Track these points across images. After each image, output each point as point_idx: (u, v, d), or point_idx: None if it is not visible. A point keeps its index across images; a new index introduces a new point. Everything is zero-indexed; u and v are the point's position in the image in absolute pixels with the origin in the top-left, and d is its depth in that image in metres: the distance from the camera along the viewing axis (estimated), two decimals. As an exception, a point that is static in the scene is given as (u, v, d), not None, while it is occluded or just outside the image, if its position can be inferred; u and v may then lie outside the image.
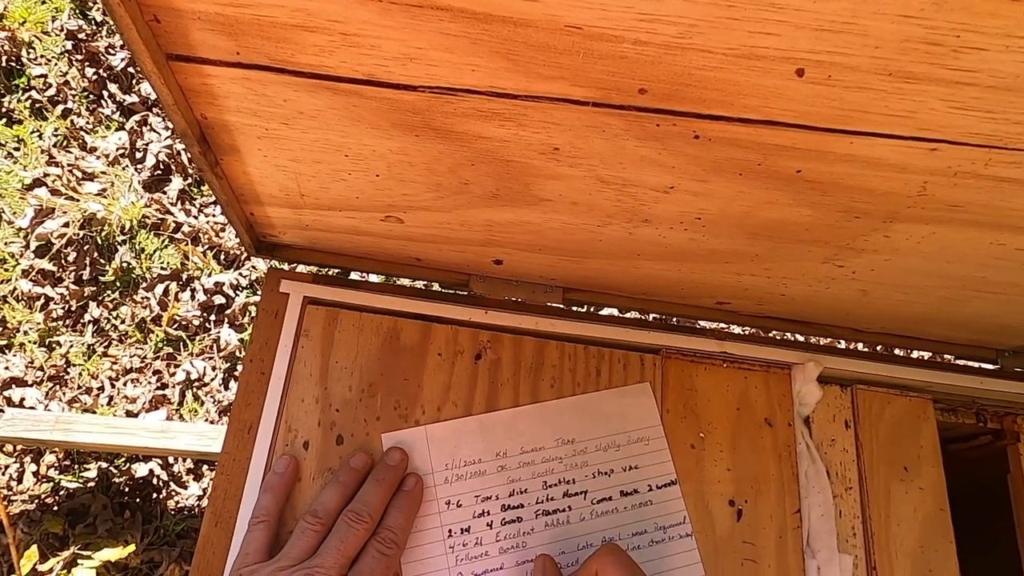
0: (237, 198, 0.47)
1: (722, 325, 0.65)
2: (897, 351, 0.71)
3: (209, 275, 1.30)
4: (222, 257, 1.32)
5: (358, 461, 0.47)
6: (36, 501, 1.13)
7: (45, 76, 1.35)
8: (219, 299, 1.28)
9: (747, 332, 0.61)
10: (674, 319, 0.61)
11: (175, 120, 0.37)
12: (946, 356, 0.65)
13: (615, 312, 0.66)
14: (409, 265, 0.56)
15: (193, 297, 1.28)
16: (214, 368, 1.25)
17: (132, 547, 1.07)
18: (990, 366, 0.62)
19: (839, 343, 0.62)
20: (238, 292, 1.30)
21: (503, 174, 0.40)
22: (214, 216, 1.34)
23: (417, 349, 0.52)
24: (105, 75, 1.39)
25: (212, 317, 1.28)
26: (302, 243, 0.54)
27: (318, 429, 0.49)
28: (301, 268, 0.55)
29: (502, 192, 0.42)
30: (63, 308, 1.24)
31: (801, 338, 0.62)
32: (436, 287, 0.59)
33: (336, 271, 0.56)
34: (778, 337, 0.60)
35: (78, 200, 1.27)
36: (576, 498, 0.49)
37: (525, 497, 0.48)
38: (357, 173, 0.41)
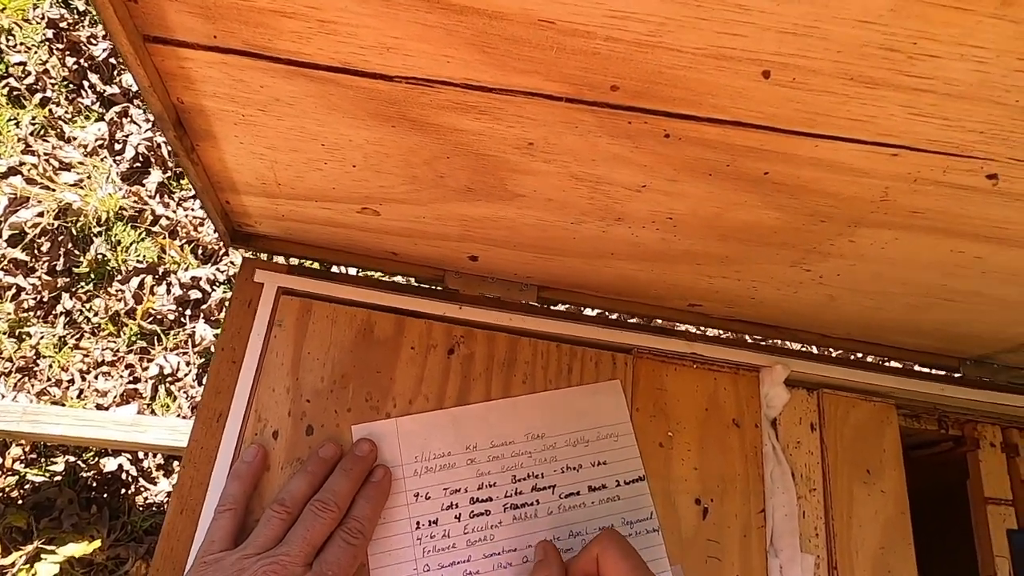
0: (213, 185, 0.47)
1: (693, 328, 0.66)
2: (861, 357, 0.73)
3: (186, 269, 1.29)
4: (200, 252, 1.31)
5: (327, 451, 0.47)
6: (0, 495, 1.11)
7: (24, 64, 1.34)
8: (195, 294, 1.27)
9: (718, 335, 0.62)
10: (646, 320, 0.62)
11: (151, 103, 0.37)
12: (911, 364, 0.66)
13: (588, 312, 0.66)
14: (385, 259, 0.56)
15: (169, 291, 1.27)
16: (188, 363, 1.24)
17: (97, 543, 1.05)
18: (953, 375, 0.64)
19: (807, 348, 0.63)
20: (215, 287, 1.29)
21: (478, 168, 0.40)
22: (192, 210, 1.33)
23: (390, 342, 0.52)
24: (86, 65, 1.37)
25: (188, 312, 1.27)
26: (278, 234, 0.54)
27: (288, 419, 0.49)
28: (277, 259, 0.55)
29: (477, 187, 0.43)
30: (35, 299, 1.22)
31: (770, 342, 0.63)
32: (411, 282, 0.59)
33: (312, 263, 0.56)
34: (748, 340, 0.61)
35: (54, 190, 1.26)
36: (544, 492, 0.49)
37: (494, 491, 0.49)
38: (333, 163, 0.42)
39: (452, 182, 0.42)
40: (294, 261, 0.56)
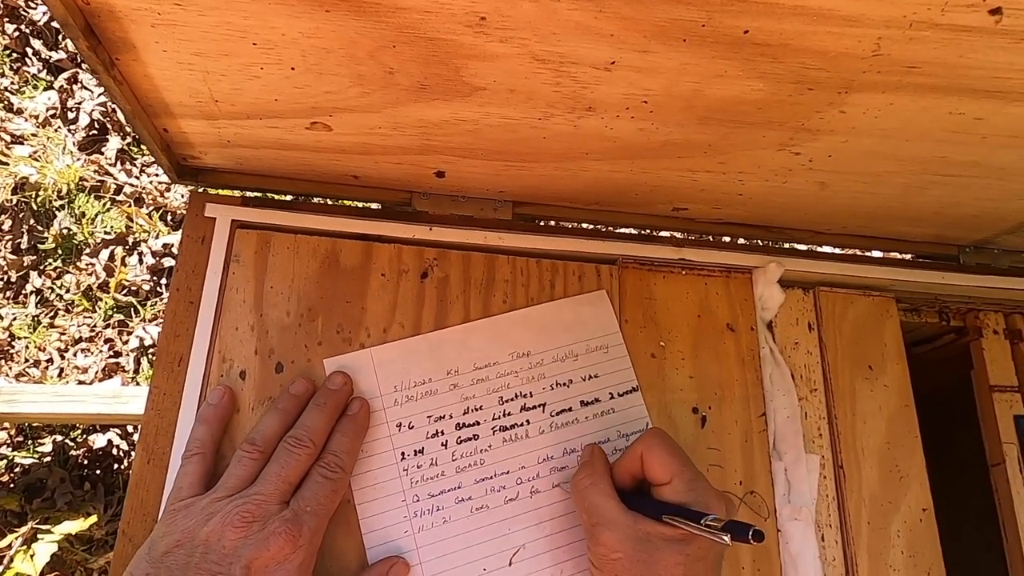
0: (144, 109, 0.42)
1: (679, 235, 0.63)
2: (858, 252, 0.70)
3: (156, 237, 1.24)
4: (169, 218, 1.27)
5: (298, 387, 0.44)
6: (-10, 480, 1.09)
7: (-40, 34, 1.26)
8: (168, 262, 1.23)
9: (707, 239, 0.59)
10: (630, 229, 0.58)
11: (52, 7, 0.32)
12: (908, 256, 0.63)
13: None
14: (347, 184, 0.52)
15: (141, 261, 1.23)
16: (169, 333, 1.20)
17: (94, 518, 1.03)
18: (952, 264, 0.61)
19: (800, 247, 0.60)
20: (188, 253, 1.25)
21: (429, 58, 0.36)
22: (157, 175, 1.28)
23: (359, 270, 0.49)
24: (28, 31, 1.30)
25: (163, 281, 1.23)
26: (229, 165, 0.51)
27: (255, 358, 0.46)
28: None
29: (431, 82, 0.39)
30: (2, 279, 1.17)
31: (761, 243, 0.60)
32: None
33: (271, 196, 0.52)
34: (739, 243, 0.58)
35: (8, 164, 1.20)
36: (534, 411, 0.47)
37: (480, 414, 0.46)
38: (270, 67, 0.38)
39: (403, 78, 0.38)
40: (252, 195, 0.52)
